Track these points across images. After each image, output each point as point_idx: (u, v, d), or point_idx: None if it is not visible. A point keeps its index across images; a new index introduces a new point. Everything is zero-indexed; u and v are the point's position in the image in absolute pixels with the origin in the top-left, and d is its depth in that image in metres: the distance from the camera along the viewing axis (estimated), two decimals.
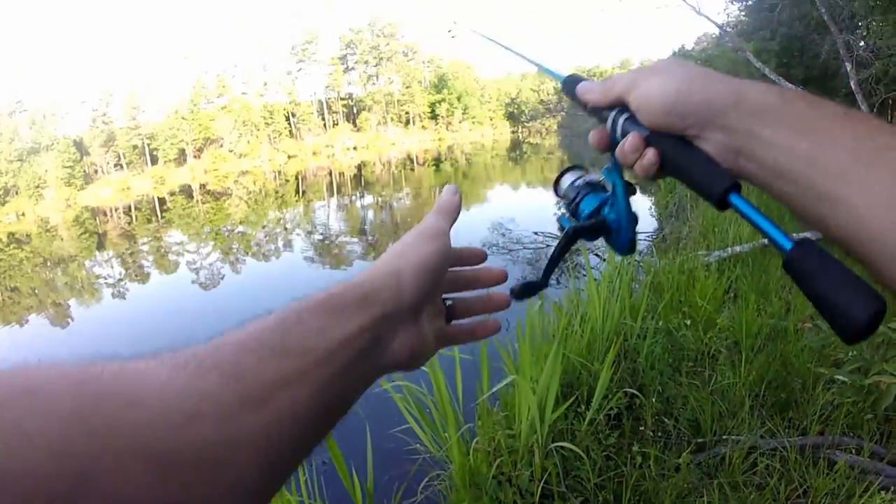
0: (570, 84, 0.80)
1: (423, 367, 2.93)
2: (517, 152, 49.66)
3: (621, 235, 0.74)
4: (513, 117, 78.65)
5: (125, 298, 16.48)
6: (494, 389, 3.22)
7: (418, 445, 3.35)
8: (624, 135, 0.68)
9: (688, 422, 3.44)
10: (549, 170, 32.13)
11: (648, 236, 9.39)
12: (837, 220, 0.49)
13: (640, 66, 0.74)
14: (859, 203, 0.47)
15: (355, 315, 0.52)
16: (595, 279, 4.57)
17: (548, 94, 75.44)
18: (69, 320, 15.44)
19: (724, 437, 3.25)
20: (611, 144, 0.72)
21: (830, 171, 0.50)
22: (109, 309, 15.63)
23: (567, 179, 0.81)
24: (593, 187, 0.79)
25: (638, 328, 4.15)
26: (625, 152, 0.67)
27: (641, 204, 13.95)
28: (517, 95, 78.84)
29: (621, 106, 0.69)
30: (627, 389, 3.58)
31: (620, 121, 0.69)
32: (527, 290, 0.76)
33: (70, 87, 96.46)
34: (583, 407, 3.36)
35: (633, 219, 0.74)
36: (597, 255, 8.44)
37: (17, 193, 56.75)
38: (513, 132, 76.07)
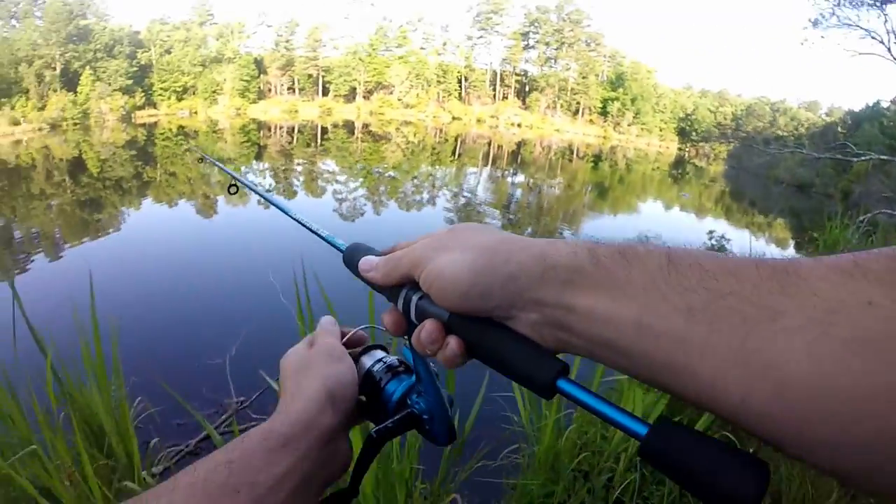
0: (351, 257, 0.75)
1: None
2: (678, 171, 48.05)
3: (435, 426, 0.69)
4: (683, 133, 75.41)
5: (268, 208, 17.02)
6: (615, 377, 3.25)
7: (514, 416, 3.39)
8: (420, 318, 0.62)
9: (769, 494, 3.06)
10: (707, 197, 30.81)
11: None
12: (685, 388, 0.44)
13: (426, 235, 0.65)
14: (704, 371, 0.42)
15: (296, 446, 0.59)
16: None
17: (725, 118, 72.48)
18: (213, 213, 16.25)
19: None
20: (407, 326, 0.65)
21: (663, 339, 0.44)
22: (251, 212, 16.23)
23: (364, 364, 0.75)
24: (395, 372, 0.73)
25: None
26: (422, 342, 0.60)
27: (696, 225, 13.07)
28: (693, 111, 75.57)
29: (413, 283, 0.63)
30: (727, 433, 3.22)
31: (414, 300, 0.62)
32: (337, 500, 0.69)
33: (258, 8, 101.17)
34: (685, 422, 3.08)
35: (447, 404, 0.69)
36: None
37: (194, 93, 61.40)
38: (679, 149, 73.23)
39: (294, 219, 0.99)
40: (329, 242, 0.83)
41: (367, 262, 0.68)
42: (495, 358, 0.55)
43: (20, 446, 2.71)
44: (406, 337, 0.65)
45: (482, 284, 0.53)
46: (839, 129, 39.85)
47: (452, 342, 0.57)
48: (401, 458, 2.52)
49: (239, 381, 4.91)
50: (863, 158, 13.78)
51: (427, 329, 0.58)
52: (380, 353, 0.76)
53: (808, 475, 3.19)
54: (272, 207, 1.14)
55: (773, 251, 13.51)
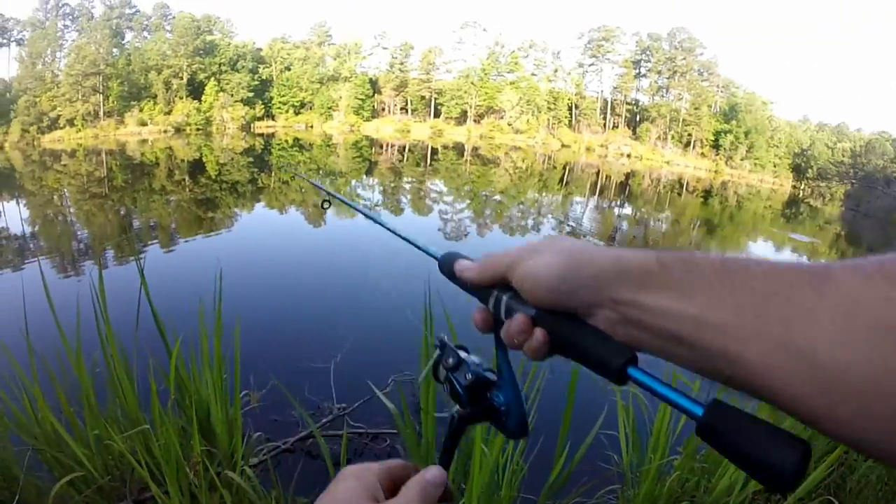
0: (447, 263, 0.82)
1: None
2: (792, 210, 46.10)
3: (510, 419, 0.73)
4: (798, 170, 71.92)
5: (374, 222, 17.43)
6: None
7: (615, 456, 3.37)
8: (509, 315, 0.68)
9: None
10: (823, 242, 29.45)
11: None
12: (737, 376, 0.50)
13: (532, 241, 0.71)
14: (754, 359, 0.48)
15: None
16: None
17: (843, 155, 69.04)
18: (322, 223, 16.66)
19: None
20: (495, 325, 0.72)
21: (718, 331, 0.50)
22: (358, 227, 16.60)
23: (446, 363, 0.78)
24: (476, 371, 0.75)
25: None
26: (511, 334, 0.67)
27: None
28: (809, 147, 71.87)
29: (503, 285, 0.69)
30: (830, 498, 3.20)
31: (504, 300, 0.69)
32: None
33: (374, 31, 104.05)
34: (778, 495, 3.16)
35: (522, 401, 0.73)
36: None
37: (310, 109, 64.21)
38: (794, 187, 69.99)
39: (389, 230, 1.07)
40: (424, 251, 0.90)
41: (462, 263, 0.76)
42: (575, 348, 0.62)
43: (129, 425, 2.91)
44: (494, 333, 0.72)
45: (569, 283, 0.61)
46: None
47: (539, 334, 0.64)
48: (502, 486, 2.60)
49: (341, 388, 5.05)
50: None
51: (517, 321, 0.66)
52: (460, 353, 0.78)
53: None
54: (357, 223, 1.21)
55: None
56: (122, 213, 16.26)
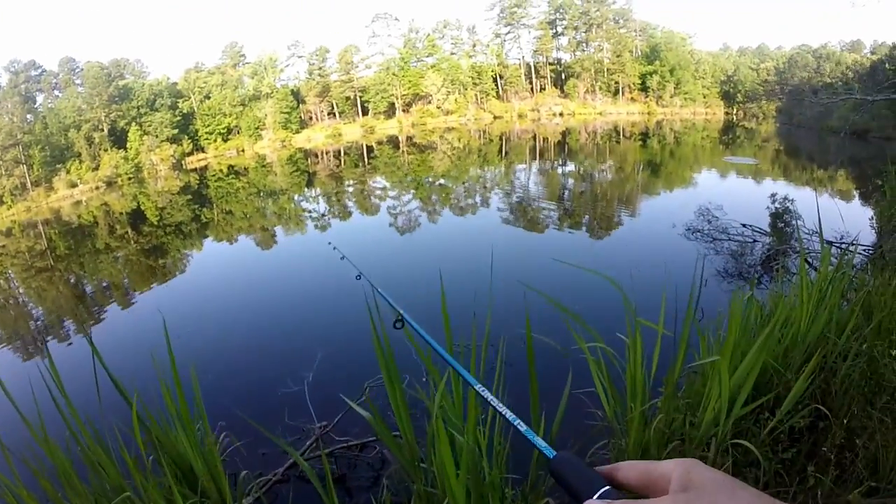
0: (564, 472, 0.74)
1: (623, 336, 2.75)
2: (729, 136, 46.76)
3: None
4: (727, 97, 73.04)
5: (325, 231, 17.45)
6: (696, 363, 3.19)
7: (598, 412, 3.35)
8: None
9: (866, 461, 3.09)
10: (765, 159, 29.96)
11: (865, 250, 8.39)
12: None
13: (678, 478, 0.62)
14: None
15: None
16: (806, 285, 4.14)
17: (768, 73, 70.33)
18: (274, 243, 16.61)
19: None
20: None
21: None
22: (312, 238, 16.60)
23: None
24: None
25: (840, 346, 3.76)
26: None
27: (859, 212, 12.69)
28: (734, 73, 72.98)
29: None
30: (817, 405, 3.31)
31: None
32: None
33: (287, 42, 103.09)
34: (766, 414, 3.18)
35: None
36: (807, 261, 7.86)
37: (238, 133, 63.68)
38: (726, 113, 70.99)
39: (499, 412, 0.98)
40: (535, 446, 0.83)
41: None
42: None
43: (114, 493, 2.84)
44: None
45: None
46: (887, 66, 38.24)
47: None
48: (490, 467, 2.54)
49: (319, 407, 5.00)
50: None
51: None
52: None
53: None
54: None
55: (838, 206, 13.12)
56: (71, 281, 15.87)
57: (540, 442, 0.82)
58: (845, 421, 3.27)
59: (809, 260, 7.78)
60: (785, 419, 3.11)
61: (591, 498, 0.65)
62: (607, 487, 0.66)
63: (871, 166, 19.56)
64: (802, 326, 3.67)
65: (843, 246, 6.96)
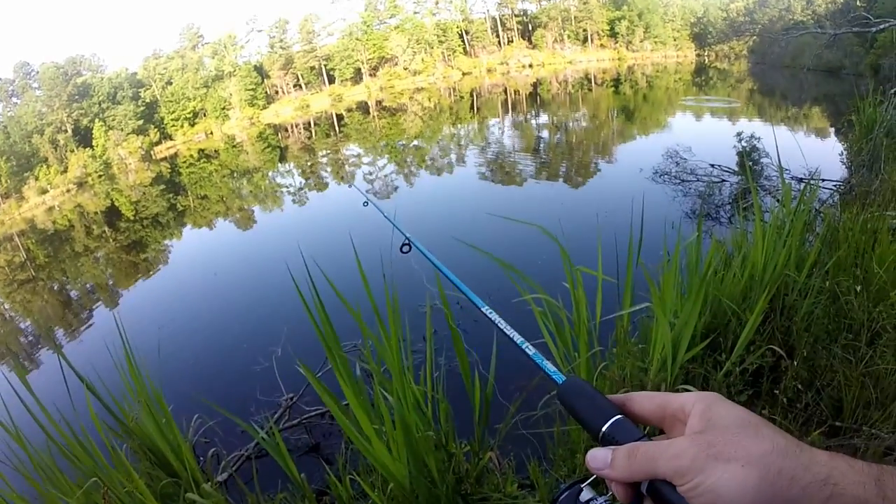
0: (570, 397, 0.72)
1: (565, 283, 2.72)
2: (702, 77, 46.57)
3: None
4: (698, 38, 72.60)
5: (304, 204, 17.38)
6: (629, 311, 3.10)
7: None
8: (658, 499, 0.58)
9: (830, 399, 3.13)
10: (737, 98, 29.93)
11: (834, 185, 8.50)
12: None
13: (699, 414, 0.59)
14: None
15: None
16: (764, 221, 4.15)
17: (738, 14, 70.04)
18: (253, 223, 16.50)
19: (863, 427, 2.92)
20: (635, 496, 0.61)
21: None
22: (291, 214, 16.56)
23: (568, 499, 0.69)
24: None
25: (801, 283, 3.73)
26: None
27: (831, 149, 12.76)
28: (703, 14, 72.38)
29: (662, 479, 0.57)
30: (774, 347, 3.28)
31: (659, 484, 0.58)
32: None
33: (245, 17, 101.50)
34: (724, 356, 3.18)
35: None
36: (775, 198, 7.91)
37: (204, 115, 63.00)
38: (698, 55, 70.63)
39: (507, 335, 0.94)
40: (544, 371, 0.81)
41: (596, 458, 0.62)
42: None
43: (94, 484, 2.84)
44: None
45: None
46: (858, 2, 38.23)
47: None
48: (430, 425, 2.54)
49: (288, 379, 5.06)
50: (883, 27, 13.13)
51: None
52: (589, 493, 0.69)
53: (869, 379, 3.09)
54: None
55: (811, 143, 13.11)
56: (55, 288, 15.72)
57: (548, 366, 0.80)
58: (810, 356, 3.25)
59: (777, 197, 7.79)
60: (743, 359, 3.09)
61: (603, 427, 0.64)
62: (619, 416, 0.64)
63: (843, 102, 19.60)
64: (759, 263, 3.62)
65: (808, 181, 6.95)
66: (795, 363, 3.17)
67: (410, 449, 2.28)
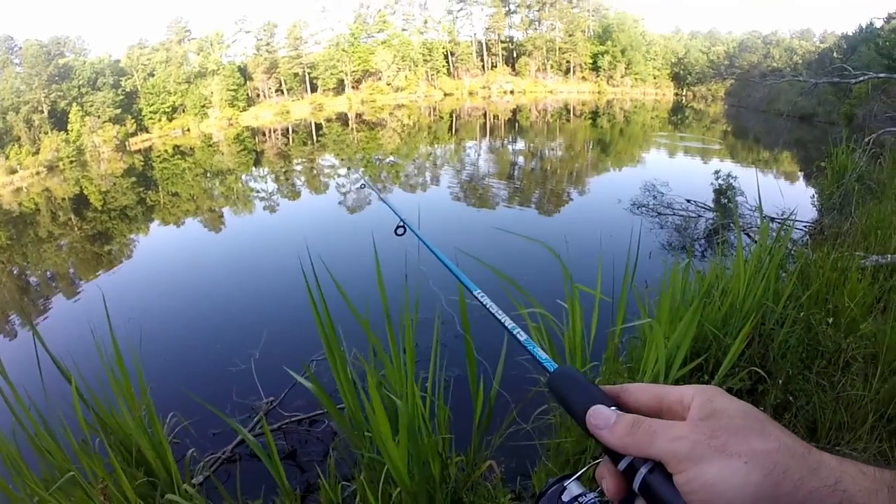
0: (560, 384, 0.68)
1: (562, 301, 2.79)
2: (678, 116, 47.30)
3: None
4: (678, 78, 73.85)
5: (275, 211, 17.32)
6: (630, 325, 3.21)
7: (541, 378, 3.24)
8: (649, 497, 0.54)
9: (805, 421, 3.30)
10: (710, 139, 30.49)
11: (805, 226, 8.75)
12: None
13: (700, 405, 0.56)
14: None
15: None
16: (744, 257, 4.28)
17: (718, 57, 71.43)
18: (221, 226, 16.40)
19: (836, 447, 3.07)
20: (626, 494, 0.58)
21: None
22: (259, 219, 16.47)
23: (551, 497, 0.67)
24: None
25: (778, 313, 3.95)
26: None
27: (802, 191, 13.05)
28: (685, 55, 73.65)
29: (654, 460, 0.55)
30: (754, 369, 3.46)
31: (643, 472, 0.55)
32: None
33: (234, 17, 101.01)
34: (706, 377, 3.33)
35: None
36: (748, 235, 8.08)
37: (183, 111, 62.15)
38: (676, 94, 71.99)
39: (498, 320, 0.92)
40: (535, 357, 0.76)
41: (599, 415, 0.60)
42: None
43: (61, 477, 2.77)
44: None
45: None
46: (835, 54, 39.18)
47: None
48: (432, 432, 2.54)
49: (267, 383, 4.99)
50: (861, 80, 13.53)
51: None
52: (577, 488, 0.68)
53: (841, 403, 3.22)
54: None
55: (782, 186, 13.42)
56: (14, 272, 15.37)
57: (540, 354, 0.76)
58: (780, 382, 3.39)
59: (750, 234, 8.03)
60: (726, 381, 3.19)
61: None
62: (613, 408, 0.61)
63: (815, 148, 20.07)
64: (740, 294, 3.76)
65: (783, 221, 7.17)
66: (773, 387, 3.31)
67: (416, 454, 2.29)
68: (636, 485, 0.56)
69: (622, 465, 0.57)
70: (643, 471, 0.55)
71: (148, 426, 3.08)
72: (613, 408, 0.60)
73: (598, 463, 0.63)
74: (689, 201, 10.82)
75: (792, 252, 6.12)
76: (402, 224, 1.73)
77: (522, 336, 0.83)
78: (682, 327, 2.91)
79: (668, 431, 0.53)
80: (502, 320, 0.89)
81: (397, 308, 2.65)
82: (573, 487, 0.67)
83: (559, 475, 0.69)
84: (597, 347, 3.18)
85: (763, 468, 0.47)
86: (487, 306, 0.94)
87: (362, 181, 3.13)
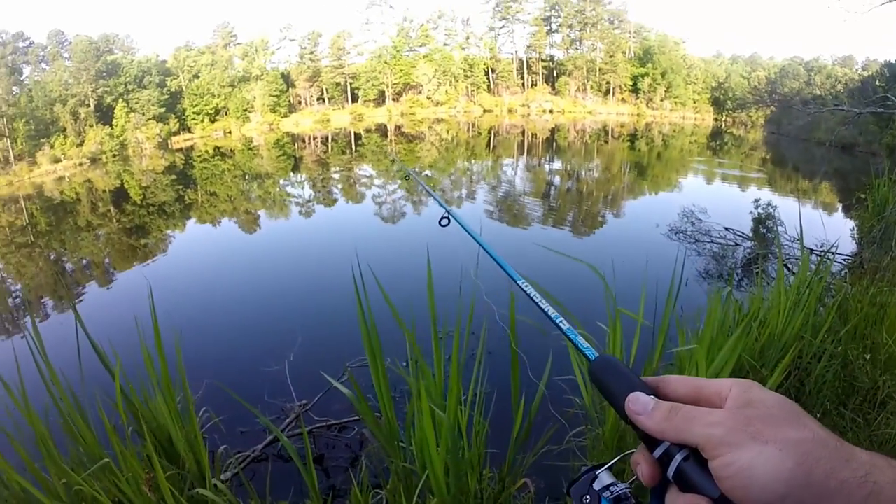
0: (603, 373, 0.70)
1: (603, 325, 2.79)
2: (717, 142, 46.84)
3: None
4: (717, 103, 72.71)
5: (310, 217, 17.38)
6: (673, 350, 3.27)
7: (577, 399, 3.41)
8: (682, 484, 0.56)
9: None
10: (749, 166, 30.11)
11: (844, 258, 8.57)
12: None
13: (737, 396, 0.57)
14: None
15: None
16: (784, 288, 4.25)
17: (759, 83, 70.48)
18: (257, 228, 16.47)
19: None
20: (660, 481, 0.59)
21: None
22: (295, 224, 16.55)
23: (582, 485, 0.67)
24: None
25: (815, 347, 3.88)
26: None
27: (841, 223, 12.84)
28: (725, 80, 72.73)
29: (689, 446, 0.56)
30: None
31: (678, 459, 0.57)
32: None
33: (280, 25, 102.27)
34: None
35: None
36: (786, 266, 7.99)
37: (226, 114, 62.89)
38: (715, 119, 71.06)
39: (541, 309, 0.92)
40: (576, 346, 0.79)
41: (638, 401, 0.61)
42: None
43: (92, 463, 2.82)
44: (652, 492, 0.61)
45: (793, 498, 0.48)
46: (877, 82, 38.54)
47: None
48: (469, 446, 2.55)
49: (299, 386, 5.00)
50: None
51: (691, 502, 0.55)
52: (607, 478, 0.67)
53: (875, 442, 3.16)
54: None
55: (821, 217, 13.28)
56: (51, 257, 15.68)
57: (582, 342, 0.78)
58: (819, 415, 3.32)
59: (789, 265, 7.88)
60: None
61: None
62: (652, 397, 0.62)
63: (856, 179, 19.74)
64: (779, 326, 3.72)
65: (822, 253, 7.07)
66: None
67: (454, 467, 2.31)
68: (671, 472, 0.57)
69: (658, 451, 0.59)
70: (678, 458, 0.57)
71: (184, 418, 3.11)
72: (652, 396, 0.62)
73: (630, 454, 0.65)
74: (727, 229, 10.71)
75: (831, 285, 6.02)
76: (446, 215, 1.76)
77: (565, 325, 0.84)
78: (724, 355, 2.89)
79: (705, 417, 0.55)
80: (545, 309, 0.89)
81: (439, 319, 2.68)
82: (604, 477, 0.67)
83: (591, 465, 0.69)
84: (634, 372, 3.17)
85: (796, 456, 0.49)
86: (531, 295, 0.95)
87: (408, 171, 3.15)
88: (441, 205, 1.84)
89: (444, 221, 1.78)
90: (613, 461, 0.69)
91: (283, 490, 3.36)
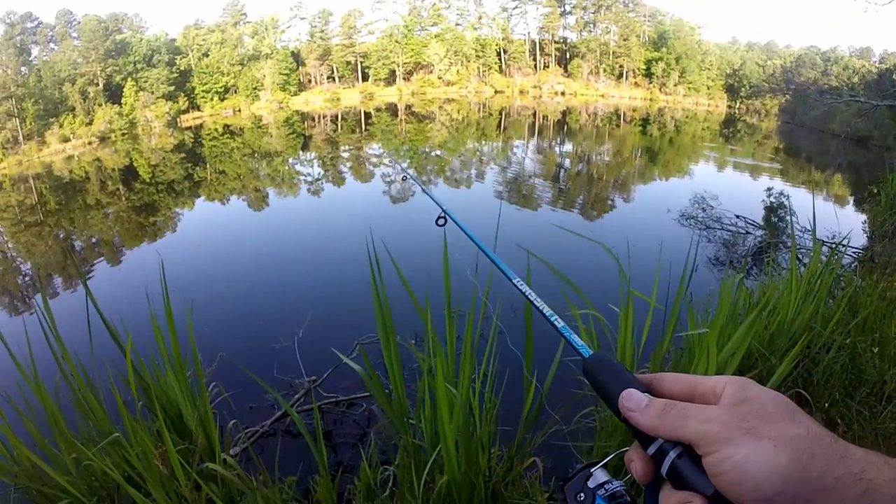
0: (597, 370, 0.70)
1: (615, 307, 2.78)
2: (730, 129, 46.50)
3: None
4: (731, 90, 72.01)
5: (319, 196, 17.40)
6: (683, 334, 3.26)
7: (586, 381, 3.26)
8: (676, 481, 0.56)
9: None
10: (761, 155, 29.92)
11: (856, 252, 8.52)
12: None
13: (732, 393, 0.57)
14: None
15: None
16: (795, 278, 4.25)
17: (775, 71, 69.83)
18: (265, 206, 16.49)
19: None
20: (654, 479, 0.59)
21: None
22: (304, 201, 16.54)
23: (576, 483, 0.68)
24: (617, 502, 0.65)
25: (824, 338, 3.91)
26: None
27: (853, 216, 12.77)
28: (740, 67, 71.92)
29: (683, 443, 0.56)
30: (799, 391, 3.46)
31: (671, 457, 0.57)
32: None
33: (290, 3, 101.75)
34: None
35: None
36: (798, 257, 7.97)
37: (235, 92, 62.96)
38: (728, 106, 70.37)
39: (536, 307, 0.91)
40: (571, 343, 0.79)
41: (632, 398, 0.61)
42: None
43: (102, 438, 2.84)
44: (646, 490, 0.61)
45: (788, 494, 0.48)
46: (895, 76, 38.17)
47: None
48: (480, 424, 2.57)
49: (308, 362, 5.04)
50: None
51: (684, 499, 0.54)
52: (602, 476, 0.68)
53: (879, 436, 3.16)
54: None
55: (833, 209, 13.23)
56: (61, 235, 15.74)
57: (576, 340, 0.78)
58: (826, 405, 3.33)
59: (800, 256, 7.86)
60: None
61: None
62: (646, 394, 0.62)
63: (869, 173, 19.61)
64: (789, 315, 3.72)
65: (834, 245, 7.04)
66: (817, 410, 3.27)
67: (465, 444, 2.32)
68: (664, 469, 0.57)
69: (651, 449, 0.59)
70: (672, 455, 0.56)
71: (194, 394, 3.13)
72: (646, 394, 0.62)
73: (624, 451, 0.64)
74: (738, 217, 10.68)
75: (841, 278, 6.01)
76: (443, 215, 1.74)
77: (560, 323, 0.84)
78: (735, 341, 2.89)
79: (699, 414, 0.55)
80: (541, 308, 0.88)
81: (443, 298, 2.69)
82: (599, 475, 0.67)
83: (585, 462, 0.70)
84: (644, 355, 3.18)
85: (792, 452, 0.49)
86: (526, 294, 0.94)
87: (405, 173, 3.15)
88: (438, 204, 1.83)
89: (441, 221, 1.77)
90: (608, 459, 0.70)
91: (291, 465, 3.38)
